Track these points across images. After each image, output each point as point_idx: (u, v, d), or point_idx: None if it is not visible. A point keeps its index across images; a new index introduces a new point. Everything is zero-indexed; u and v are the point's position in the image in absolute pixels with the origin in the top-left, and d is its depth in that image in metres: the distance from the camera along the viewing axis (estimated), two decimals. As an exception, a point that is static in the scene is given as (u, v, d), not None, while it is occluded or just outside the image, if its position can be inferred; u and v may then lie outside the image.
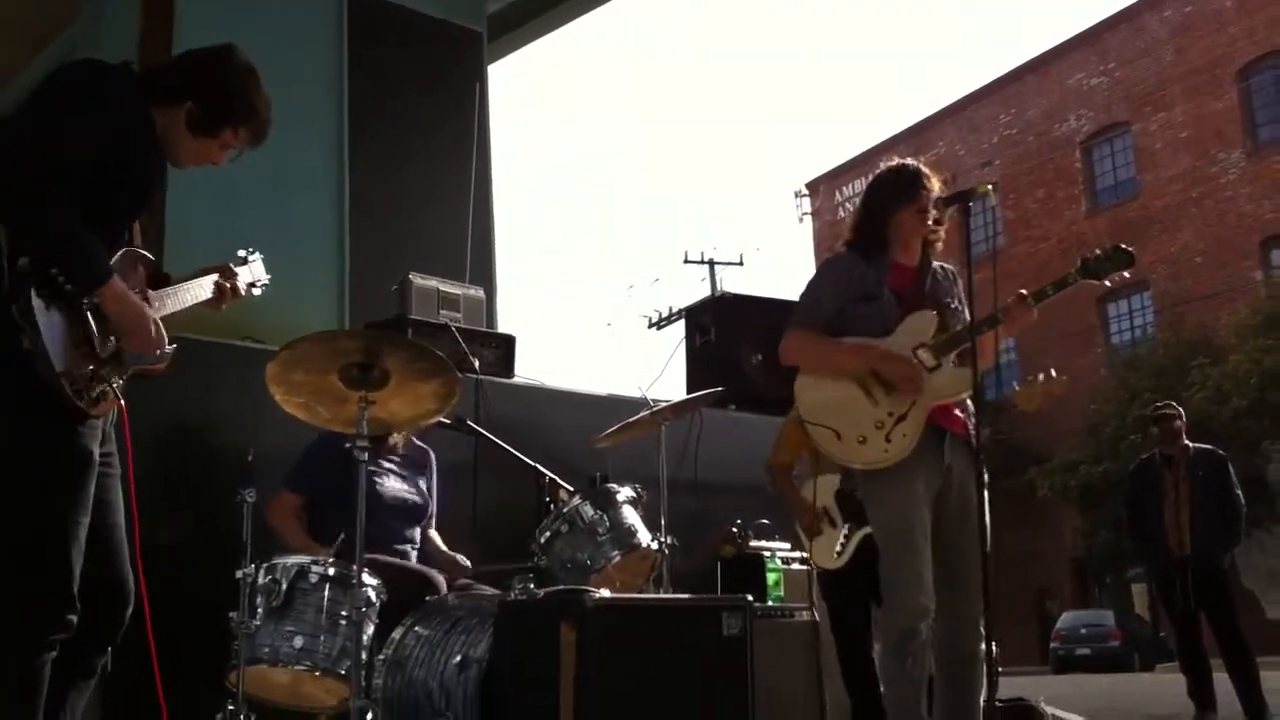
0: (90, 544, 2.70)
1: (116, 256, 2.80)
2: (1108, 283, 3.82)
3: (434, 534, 4.57)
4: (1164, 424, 7.09)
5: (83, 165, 2.63)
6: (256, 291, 3.34)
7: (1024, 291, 3.79)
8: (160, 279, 3.03)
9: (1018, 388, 4.01)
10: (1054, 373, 3.94)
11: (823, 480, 4.88)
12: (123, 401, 2.78)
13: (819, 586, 4.96)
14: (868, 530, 4.42)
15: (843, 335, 3.86)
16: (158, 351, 2.83)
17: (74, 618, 2.64)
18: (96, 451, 2.72)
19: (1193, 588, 6.70)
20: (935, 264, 3.96)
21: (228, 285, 3.18)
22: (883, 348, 3.77)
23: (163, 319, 2.88)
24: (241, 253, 3.35)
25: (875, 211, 3.93)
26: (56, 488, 2.64)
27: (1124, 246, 3.81)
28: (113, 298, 2.67)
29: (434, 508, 4.57)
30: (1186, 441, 7.03)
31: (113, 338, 2.73)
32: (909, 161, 4.00)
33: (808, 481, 4.96)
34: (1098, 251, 3.84)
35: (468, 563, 4.45)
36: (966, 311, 3.73)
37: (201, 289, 3.11)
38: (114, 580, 2.85)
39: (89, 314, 2.66)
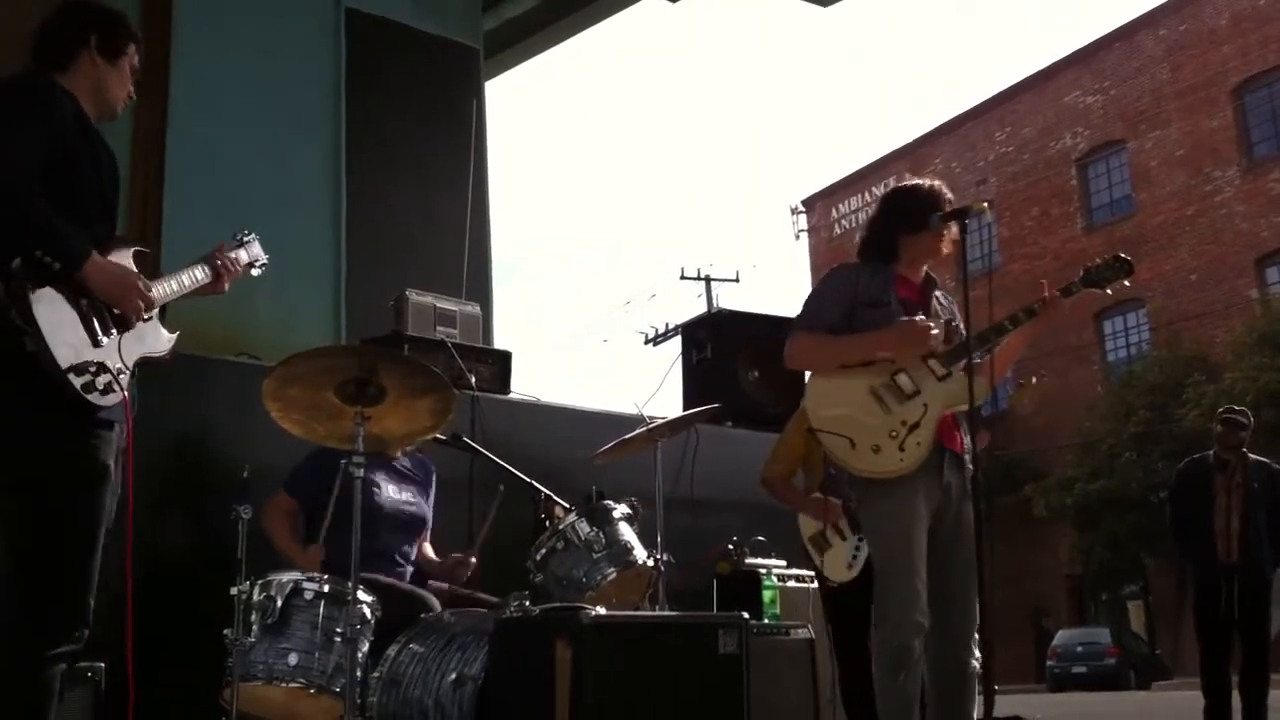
0: None
1: (115, 252, 2.80)
2: (1109, 290, 3.85)
3: (428, 547, 4.57)
4: (1229, 426, 6.68)
5: (40, 168, 2.62)
6: (255, 271, 3.31)
7: (1046, 289, 3.79)
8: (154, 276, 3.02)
9: (1011, 391, 4.02)
10: (1042, 372, 3.93)
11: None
12: (128, 394, 2.75)
13: (824, 606, 4.91)
14: None
15: None
16: (145, 311, 2.81)
17: (86, 631, 2.64)
18: (113, 467, 2.72)
19: (1237, 598, 6.40)
20: (936, 293, 3.94)
21: (220, 262, 3.13)
22: (882, 328, 3.69)
23: (160, 307, 2.89)
24: (238, 234, 3.32)
25: (888, 229, 3.88)
26: (74, 502, 2.63)
27: (1123, 255, 3.84)
28: (94, 270, 2.67)
29: (430, 522, 4.57)
30: (1245, 450, 6.68)
31: (114, 328, 2.72)
32: (925, 182, 3.93)
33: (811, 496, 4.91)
34: (1098, 260, 3.86)
35: (472, 559, 4.39)
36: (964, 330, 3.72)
37: (196, 273, 3.08)
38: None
39: (84, 301, 2.66)
